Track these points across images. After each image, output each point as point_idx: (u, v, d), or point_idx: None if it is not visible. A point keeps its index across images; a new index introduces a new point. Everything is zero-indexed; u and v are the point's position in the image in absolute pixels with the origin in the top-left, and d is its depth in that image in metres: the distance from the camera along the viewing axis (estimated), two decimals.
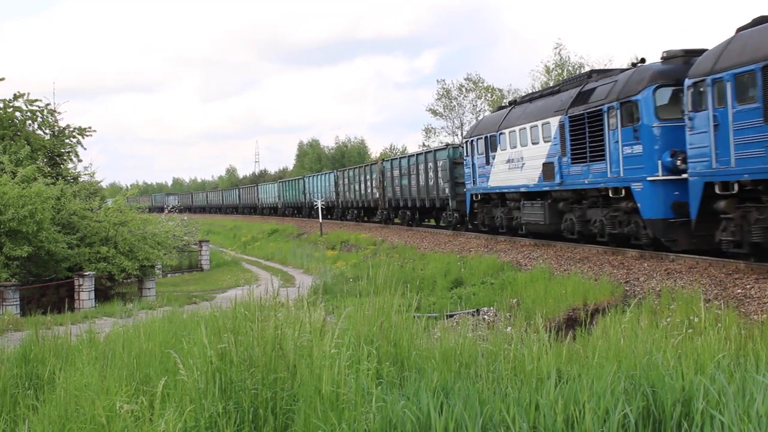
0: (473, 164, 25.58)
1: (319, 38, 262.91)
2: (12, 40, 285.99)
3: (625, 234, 16.94)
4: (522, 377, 5.54)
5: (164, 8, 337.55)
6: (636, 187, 15.89)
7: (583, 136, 18.10)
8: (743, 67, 12.38)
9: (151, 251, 22.15)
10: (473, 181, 25.72)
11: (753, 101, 12.21)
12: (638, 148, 15.80)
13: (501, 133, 23.26)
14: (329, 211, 49.53)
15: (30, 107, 24.40)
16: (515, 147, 22.19)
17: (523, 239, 22.49)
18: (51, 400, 5.56)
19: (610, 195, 17.09)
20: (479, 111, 61.34)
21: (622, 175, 16.40)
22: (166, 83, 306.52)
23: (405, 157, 36.64)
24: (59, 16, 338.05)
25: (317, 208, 45.91)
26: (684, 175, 14.48)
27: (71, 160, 25.69)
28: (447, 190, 29.48)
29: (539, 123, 20.56)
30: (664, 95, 15.56)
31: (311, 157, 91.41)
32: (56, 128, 25.27)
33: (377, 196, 39.49)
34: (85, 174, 25.96)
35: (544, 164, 20.22)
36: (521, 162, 21.82)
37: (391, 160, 38.41)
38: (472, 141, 25.76)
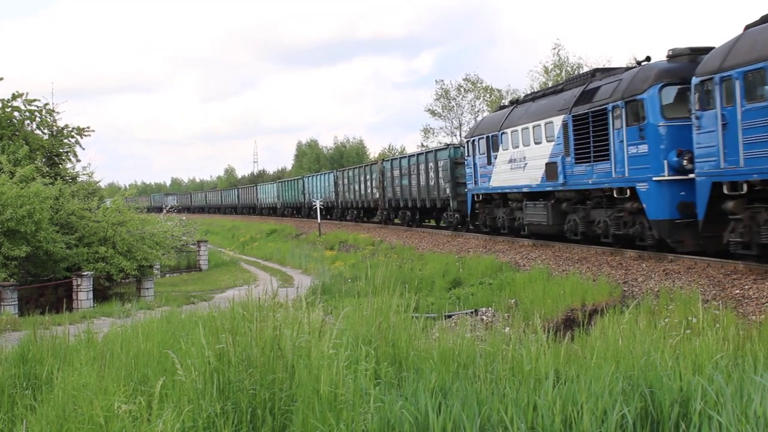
0: (475, 164, 25.35)
1: (318, 38, 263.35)
2: (11, 39, 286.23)
3: (629, 235, 16.69)
4: (520, 378, 5.54)
5: (164, 8, 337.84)
6: (641, 187, 15.66)
7: (587, 135, 17.83)
8: (753, 64, 12.15)
9: (149, 251, 22.17)
10: (474, 181, 25.50)
11: (763, 99, 11.99)
12: (644, 148, 15.57)
13: (503, 133, 23.02)
14: (328, 211, 49.43)
15: (28, 107, 24.42)
16: (517, 147, 21.93)
17: (522, 240, 22.42)
18: (49, 400, 5.55)
19: (615, 195, 16.89)
20: (478, 111, 61.40)
21: (627, 175, 16.18)
22: (165, 83, 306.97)
23: (405, 157, 36.53)
24: (58, 16, 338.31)
25: (316, 208, 45.92)
26: (690, 175, 14.28)
27: (70, 160, 25.74)
28: (448, 191, 29.34)
29: (542, 122, 20.31)
30: (670, 94, 15.32)
31: (310, 158, 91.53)
32: (55, 128, 25.28)
33: (377, 196, 39.40)
34: (83, 174, 26.04)
35: (547, 164, 20.00)
36: (524, 162, 21.57)
37: (392, 160, 38.29)
38: (473, 141, 25.52)
